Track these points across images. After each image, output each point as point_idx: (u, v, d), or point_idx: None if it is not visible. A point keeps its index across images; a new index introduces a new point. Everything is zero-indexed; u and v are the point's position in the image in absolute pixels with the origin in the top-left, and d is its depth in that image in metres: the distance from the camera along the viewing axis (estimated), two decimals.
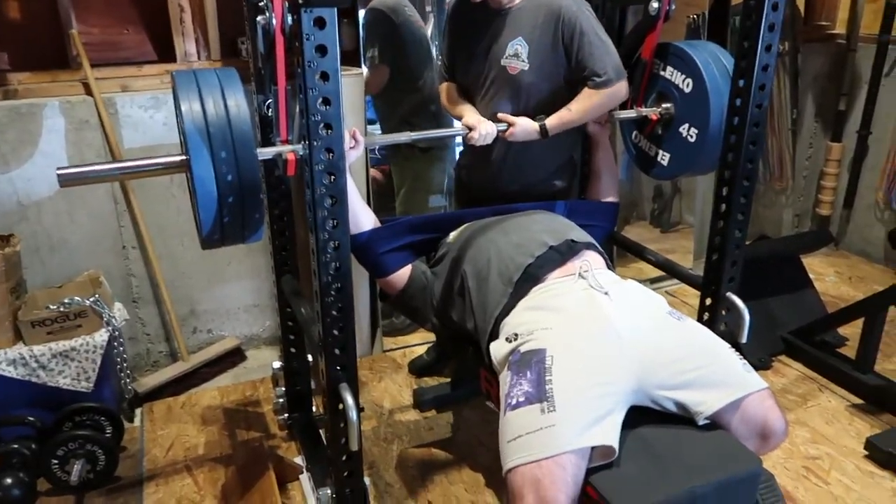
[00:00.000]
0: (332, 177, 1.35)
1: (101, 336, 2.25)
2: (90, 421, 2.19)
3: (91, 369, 2.24)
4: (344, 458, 1.59)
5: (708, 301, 1.96)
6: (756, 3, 1.61)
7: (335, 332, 1.49)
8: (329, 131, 1.31)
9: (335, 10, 1.23)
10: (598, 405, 1.34)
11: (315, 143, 1.31)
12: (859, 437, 2.19)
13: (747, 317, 1.86)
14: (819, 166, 3.71)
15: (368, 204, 2.13)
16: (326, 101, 1.29)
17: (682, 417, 1.46)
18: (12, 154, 2.33)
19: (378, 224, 1.81)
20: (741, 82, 1.70)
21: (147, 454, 2.25)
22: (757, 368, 2.57)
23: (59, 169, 1.37)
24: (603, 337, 1.44)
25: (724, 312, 1.94)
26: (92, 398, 2.24)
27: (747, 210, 1.84)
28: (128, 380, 2.43)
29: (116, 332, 2.32)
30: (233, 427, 2.38)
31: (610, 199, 2.15)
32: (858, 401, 2.40)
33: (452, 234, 1.86)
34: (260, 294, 2.83)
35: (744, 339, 1.88)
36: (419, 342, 2.88)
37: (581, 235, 1.73)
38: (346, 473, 1.62)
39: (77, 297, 2.28)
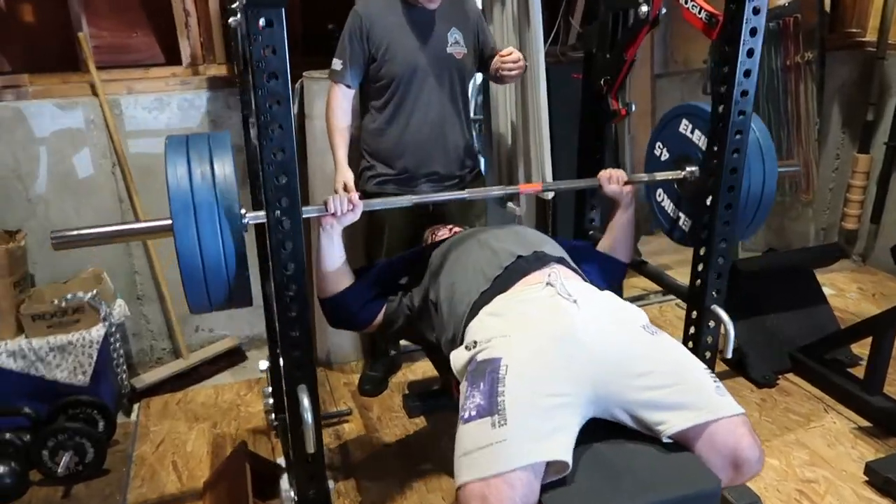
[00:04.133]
0: (285, 178, 1.36)
1: (98, 331, 2.31)
2: (83, 414, 2.24)
3: (87, 363, 2.30)
4: (305, 460, 1.59)
5: (694, 314, 1.90)
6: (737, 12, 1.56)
7: (293, 333, 1.49)
8: (280, 130, 1.32)
9: (282, 10, 1.23)
10: (551, 416, 1.30)
11: (265, 143, 1.31)
12: (861, 461, 2.08)
13: (732, 331, 1.79)
14: (846, 179, 3.57)
15: None
16: (276, 101, 1.29)
17: (644, 434, 1.41)
18: (22, 152, 2.42)
19: (352, 279, 1.78)
20: (723, 88, 1.65)
21: (137, 449, 2.29)
22: (760, 385, 2.52)
23: (53, 233, 1.42)
24: (562, 344, 1.39)
25: (710, 325, 1.88)
26: (88, 392, 2.30)
27: (733, 219, 1.77)
28: (124, 375, 2.49)
29: (113, 328, 2.38)
30: (223, 425, 2.41)
31: (619, 257, 2.00)
32: (865, 423, 2.28)
33: (436, 250, 1.84)
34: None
35: (729, 355, 1.81)
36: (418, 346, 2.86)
37: (553, 250, 1.69)
38: (307, 476, 1.62)
39: (80, 293, 2.35)
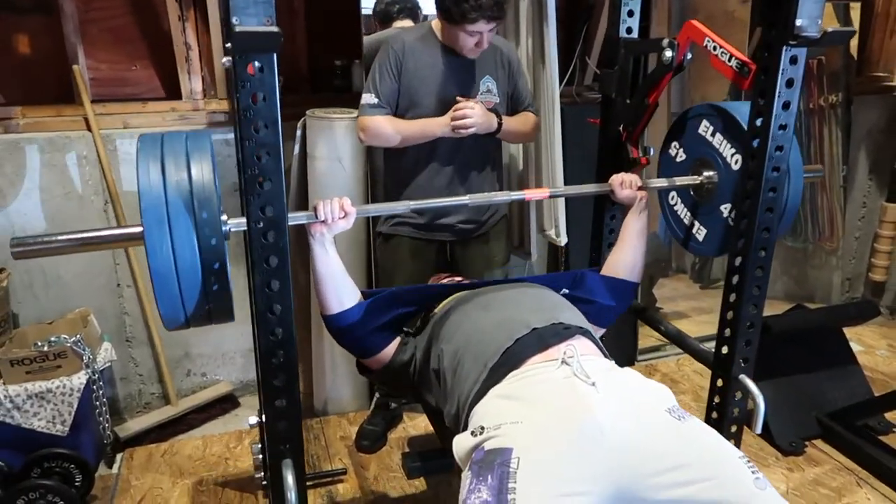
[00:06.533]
0: (274, 238, 1.23)
1: (80, 379, 2.17)
2: (59, 468, 2.10)
3: (67, 412, 2.16)
4: None
5: (719, 383, 1.75)
6: (771, 62, 1.43)
7: (277, 403, 1.35)
8: (269, 185, 1.19)
9: (273, 55, 1.12)
10: None
11: (252, 199, 1.19)
12: None
13: (762, 405, 1.64)
14: (873, 228, 3.41)
15: None
16: (267, 152, 1.17)
17: None
18: (10, 188, 2.31)
19: (361, 299, 1.64)
20: (755, 142, 1.51)
21: None
22: (786, 453, 2.34)
23: (13, 240, 1.28)
24: (581, 435, 1.22)
25: (736, 397, 1.72)
26: (67, 442, 2.16)
27: (764, 283, 1.63)
28: (107, 424, 2.34)
29: (96, 376, 2.24)
30: (209, 482, 2.26)
31: (625, 276, 1.83)
32: None
33: (439, 306, 1.70)
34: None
35: (758, 430, 1.66)
36: None
37: (572, 318, 1.53)
38: None
39: (64, 336, 2.23)
